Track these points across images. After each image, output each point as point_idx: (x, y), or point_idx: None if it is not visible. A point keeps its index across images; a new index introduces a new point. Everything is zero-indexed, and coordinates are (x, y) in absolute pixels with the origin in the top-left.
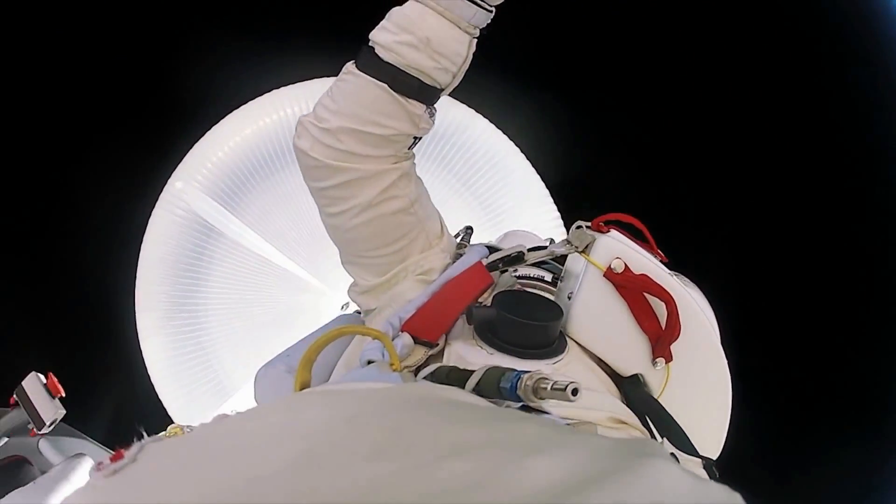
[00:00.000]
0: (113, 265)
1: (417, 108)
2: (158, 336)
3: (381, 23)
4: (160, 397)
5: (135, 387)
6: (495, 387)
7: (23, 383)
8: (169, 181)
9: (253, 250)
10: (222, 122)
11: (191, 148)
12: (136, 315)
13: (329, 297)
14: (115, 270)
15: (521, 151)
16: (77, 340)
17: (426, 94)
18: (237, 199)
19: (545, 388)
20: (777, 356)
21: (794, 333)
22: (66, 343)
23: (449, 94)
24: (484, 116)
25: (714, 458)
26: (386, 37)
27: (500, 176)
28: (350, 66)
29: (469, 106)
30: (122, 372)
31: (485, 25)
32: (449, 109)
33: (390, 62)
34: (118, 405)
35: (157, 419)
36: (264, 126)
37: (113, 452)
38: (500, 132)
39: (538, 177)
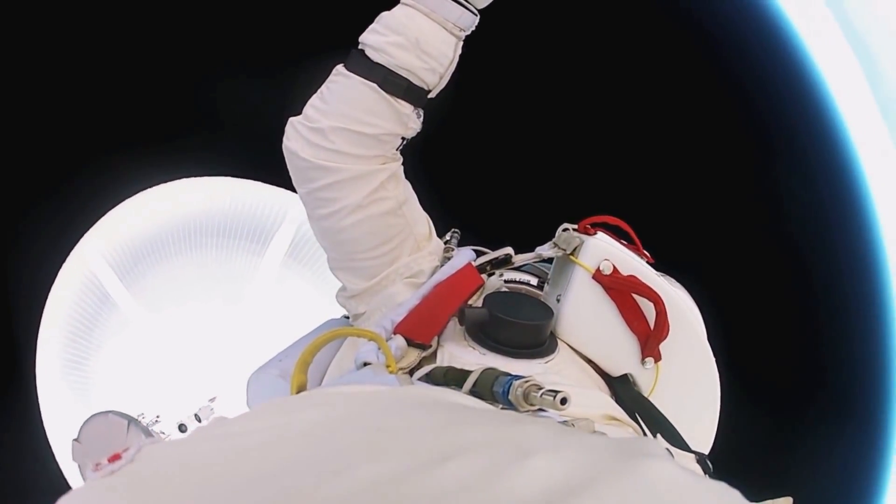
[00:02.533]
0: (24, 302)
1: (406, 107)
2: (55, 385)
3: (371, 26)
4: (52, 448)
5: (31, 438)
6: (489, 390)
7: None
8: (82, 240)
9: (141, 332)
10: (141, 194)
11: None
12: (36, 361)
13: (208, 392)
14: (25, 308)
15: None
16: None
17: (414, 94)
18: (134, 275)
19: (536, 396)
20: (769, 356)
21: (787, 333)
22: None
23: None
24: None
25: (706, 452)
26: (376, 38)
27: None
28: (340, 67)
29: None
30: (19, 414)
31: (471, 29)
32: None
33: (380, 63)
34: (9, 453)
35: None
36: (175, 211)
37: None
38: None
39: None
